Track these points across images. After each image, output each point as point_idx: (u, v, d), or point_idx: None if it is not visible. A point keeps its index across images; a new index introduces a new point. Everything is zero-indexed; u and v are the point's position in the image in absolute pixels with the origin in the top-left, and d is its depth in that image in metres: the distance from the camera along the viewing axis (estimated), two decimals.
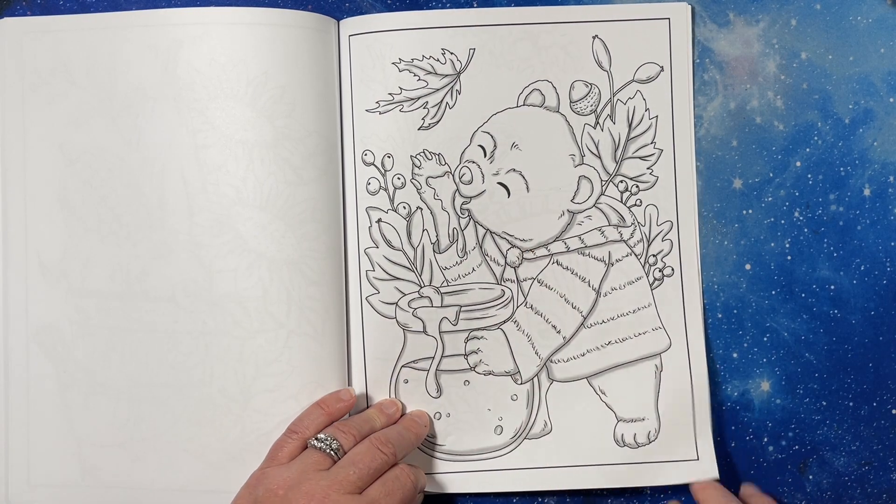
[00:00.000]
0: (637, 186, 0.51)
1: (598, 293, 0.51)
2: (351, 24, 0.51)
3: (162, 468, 0.50)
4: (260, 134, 0.49)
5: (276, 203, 0.49)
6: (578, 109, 0.50)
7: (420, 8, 0.52)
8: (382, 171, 0.51)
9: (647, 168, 0.51)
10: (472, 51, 0.50)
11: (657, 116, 0.51)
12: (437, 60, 0.50)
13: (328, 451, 0.45)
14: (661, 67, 0.50)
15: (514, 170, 0.50)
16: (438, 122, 0.50)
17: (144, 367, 0.50)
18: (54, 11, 0.52)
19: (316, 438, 0.46)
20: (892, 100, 0.52)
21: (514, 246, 0.51)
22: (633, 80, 0.50)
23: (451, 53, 0.50)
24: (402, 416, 0.51)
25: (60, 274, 0.50)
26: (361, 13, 0.52)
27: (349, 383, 0.51)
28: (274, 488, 0.43)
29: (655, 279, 0.51)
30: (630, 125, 0.51)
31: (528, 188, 0.50)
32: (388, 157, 0.50)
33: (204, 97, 0.49)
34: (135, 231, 0.50)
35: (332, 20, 0.51)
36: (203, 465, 0.50)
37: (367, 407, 0.51)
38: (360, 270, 0.51)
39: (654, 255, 0.51)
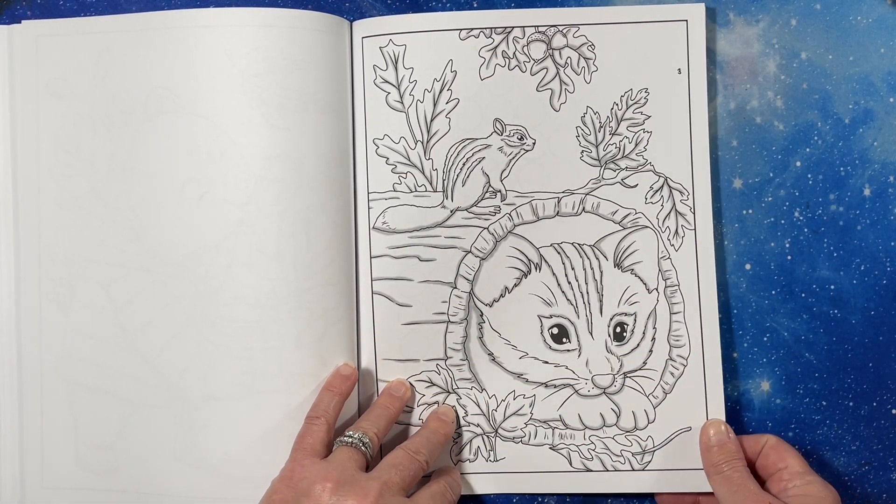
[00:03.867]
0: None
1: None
2: (364, 25, 0.51)
3: (175, 474, 0.50)
4: (273, 137, 0.49)
5: (286, 205, 0.49)
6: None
7: (420, 8, 0.52)
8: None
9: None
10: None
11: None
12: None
13: (361, 447, 0.46)
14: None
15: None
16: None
17: (149, 373, 0.50)
18: (54, 11, 0.52)
19: (346, 435, 0.47)
20: (892, 100, 0.52)
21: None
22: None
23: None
24: (411, 394, 0.51)
25: (70, 286, 0.50)
26: (362, 13, 0.52)
27: (359, 386, 0.51)
28: (319, 482, 0.43)
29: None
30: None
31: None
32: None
33: (216, 99, 0.49)
34: (146, 238, 0.50)
35: (346, 21, 0.51)
36: (216, 472, 0.50)
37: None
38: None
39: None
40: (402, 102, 0.50)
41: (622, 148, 0.51)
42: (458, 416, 0.51)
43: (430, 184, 0.51)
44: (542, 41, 0.50)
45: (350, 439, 0.46)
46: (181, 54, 0.49)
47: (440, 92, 0.50)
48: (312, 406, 0.48)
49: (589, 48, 0.50)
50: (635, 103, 0.51)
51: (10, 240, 0.51)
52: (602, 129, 0.51)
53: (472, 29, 0.50)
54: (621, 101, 0.51)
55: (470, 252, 0.51)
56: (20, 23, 0.51)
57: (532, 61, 0.50)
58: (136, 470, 0.50)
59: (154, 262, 0.50)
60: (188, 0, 0.53)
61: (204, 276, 0.49)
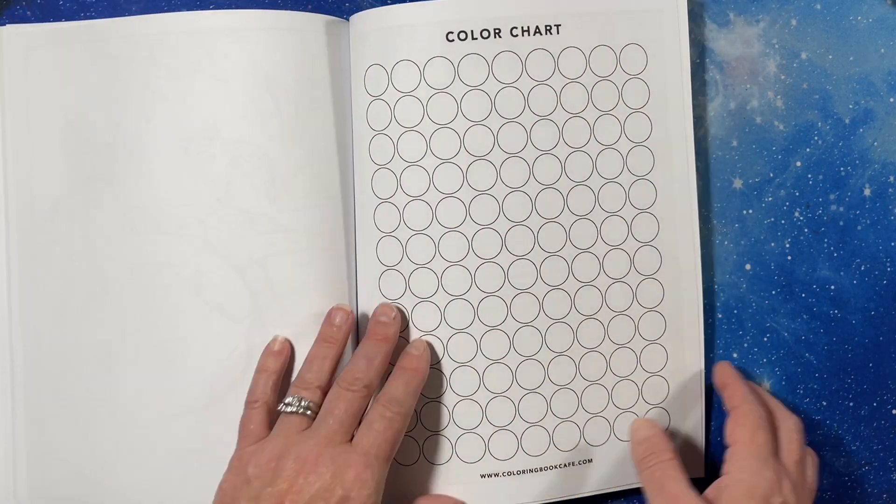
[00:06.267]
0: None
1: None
2: (357, 21, 0.50)
3: (176, 481, 0.50)
4: (273, 140, 0.49)
5: (289, 206, 0.49)
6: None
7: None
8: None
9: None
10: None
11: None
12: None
13: (301, 411, 0.44)
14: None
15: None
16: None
17: (144, 381, 0.50)
18: (54, 11, 0.52)
19: (284, 404, 0.44)
20: (892, 100, 0.52)
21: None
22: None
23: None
24: (353, 320, 0.49)
25: (62, 294, 0.50)
26: (361, 11, 0.52)
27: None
28: (264, 462, 0.42)
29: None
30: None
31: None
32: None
33: (213, 105, 0.49)
34: (140, 247, 0.50)
35: (344, 21, 0.50)
36: (217, 477, 0.49)
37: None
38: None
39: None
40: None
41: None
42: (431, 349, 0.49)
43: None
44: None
45: (291, 407, 0.44)
46: (176, 59, 0.49)
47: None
48: (249, 390, 0.47)
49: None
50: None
51: (3, 247, 0.50)
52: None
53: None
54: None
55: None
56: (5, 26, 0.50)
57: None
58: (132, 478, 0.50)
59: (148, 269, 0.49)
60: (188, 0, 0.52)
61: (198, 280, 0.49)
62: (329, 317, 0.48)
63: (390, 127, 0.50)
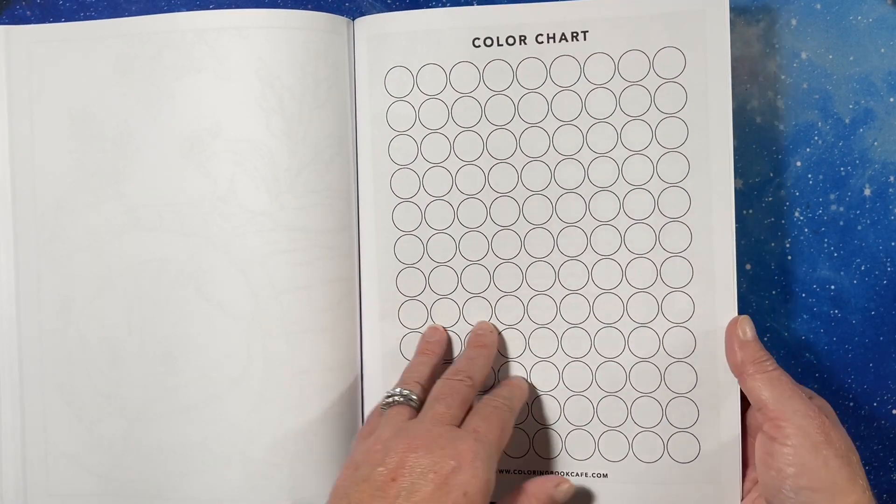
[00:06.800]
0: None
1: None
2: (365, 23, 0.50)
3: (180, 477, 0.50)
4: (274, 140, 0.49)
5: (291, 204, 0.49)
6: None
7: (419, 8, 0.52)
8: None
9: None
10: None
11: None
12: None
13: (403, 400, 0.45)
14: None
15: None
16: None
17: (153, 376, 0.50)
18: (54, 11, 0.52)
19: (386, 396, 0.45)
20: (892, 100, 0.52)
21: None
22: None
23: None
24: (448, 336, 0.51)
25: (69, 289, 0.50)
26: (362, 13, 0.52)
27: (361, 380, 0.51)
28: (371, 447, 0.42)
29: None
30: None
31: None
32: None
33: (216, 104, 0.49)
34: (145, 243, 0.50)
35: (348, 21, 0.51)
36: (220, 473, 0.50)
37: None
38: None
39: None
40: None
41: None
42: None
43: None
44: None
45: (394, 398, 0.45)
46: (181, 58, 0.49)
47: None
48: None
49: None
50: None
51: (11, 245, 0.51)
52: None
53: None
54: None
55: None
56: (15, 26, 0.51)
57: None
58: (143, 472, 0.50)
59: (152, 267, 0.50)
60: (188, 0, 0.52)
61: (201, 278, 0.49)
62: (425, 335, 0.50)
63: (414, 128, 0.50)
